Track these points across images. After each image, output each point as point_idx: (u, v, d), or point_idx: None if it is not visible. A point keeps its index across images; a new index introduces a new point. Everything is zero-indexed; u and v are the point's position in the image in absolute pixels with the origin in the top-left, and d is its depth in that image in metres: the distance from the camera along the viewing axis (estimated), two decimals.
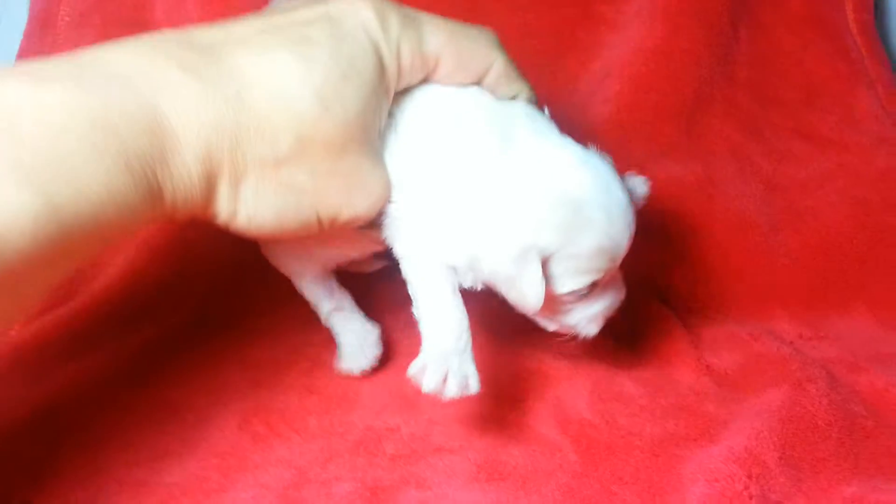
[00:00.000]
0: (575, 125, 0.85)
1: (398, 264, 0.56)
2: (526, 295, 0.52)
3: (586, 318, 0.58)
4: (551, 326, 0.59)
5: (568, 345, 0.74)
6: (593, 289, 0.56)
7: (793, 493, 0.50)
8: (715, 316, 0.76)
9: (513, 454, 0.55)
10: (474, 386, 0.51)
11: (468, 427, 0.58)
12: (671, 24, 0.84)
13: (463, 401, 0.61)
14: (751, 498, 0.47)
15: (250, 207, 0.46)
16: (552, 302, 0.55)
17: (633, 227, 0.56)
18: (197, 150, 0.42)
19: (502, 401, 0.62)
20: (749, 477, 0.49)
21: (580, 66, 0.90)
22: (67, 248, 0.38)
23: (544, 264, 0.52)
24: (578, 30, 0.92)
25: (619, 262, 0.57)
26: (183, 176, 0.43)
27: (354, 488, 0.52)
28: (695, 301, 0.77)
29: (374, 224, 0.54)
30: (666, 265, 0.77)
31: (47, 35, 0.83)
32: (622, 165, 0.81)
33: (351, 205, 0.50)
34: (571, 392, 0.64)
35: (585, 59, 0.90)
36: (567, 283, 0.54)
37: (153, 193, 0.41)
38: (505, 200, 0.52)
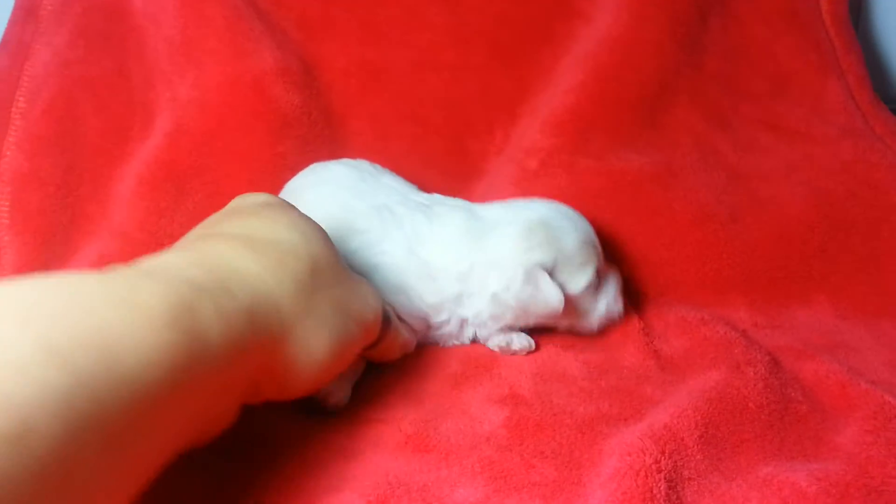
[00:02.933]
0: (542, 116, 0.86)
1: None
2: (549, 300, 0.65)
3: (611, 302, 0.69)
4: (594, 323, 0.70)
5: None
6: (598, 276, 0.68)
7: (708, 472, 0.50)
8: (668, 303, 0.76)
9: (443, 428, 0.56)
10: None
11: (406, 400, 0.60)
12: (636, 14, 0.84)
13: (408, 377, 0.63)
14: (659, 472, 0.47)
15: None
16: (580, 304, 0.68)
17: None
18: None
19: (444, 379, 0.64)
20: (662, 452, 0.49)
21: (553, 59, 0.91)
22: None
23: (553, 277, 0.65)
24: (554, 22, 0.93)
25: (600, 250, 0.69)
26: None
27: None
28: (649, 289, 0.78)
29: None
30: (619, 254, 0.78)
31: (29, 22, 0.86)
32: (583, 156, 0.82)
33: (369, 305, 0.55)
34: (516, 372, 0.65)
35: (560, 52, 0.91)
36: (579, 280, 0.66)
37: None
38: (494, 248, 0.66)
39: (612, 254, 0.78)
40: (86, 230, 0.81)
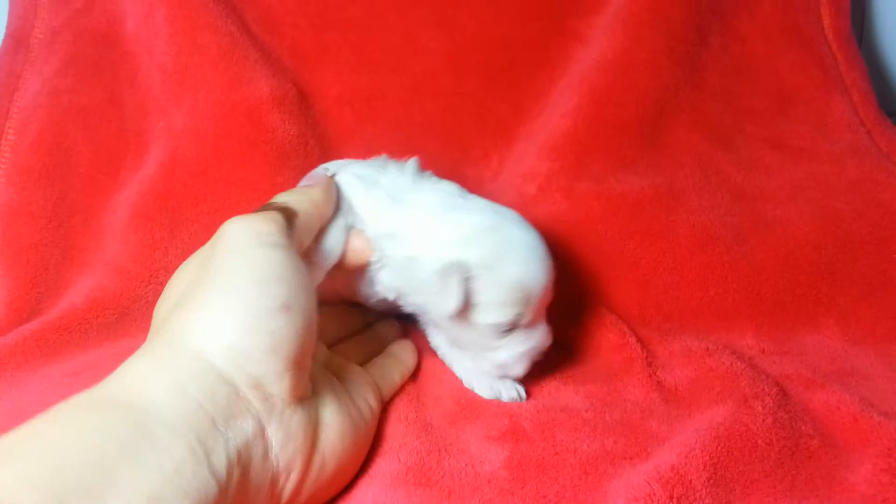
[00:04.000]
0: (539, 141, 0.85)
1: None
2: (445, 303, 0.58)
3: (513, 358, 0.62)
4: (483, 364, 0.63)
5: None
6: (515, 326, 0.60)
7: None
8: (673, 330, 0.74)
9: (444, 463, 0.54)
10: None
11: (403, 431, 0.58)
12: (631, 35, 0.83)
13: (404, 407, 0.61)
14: None
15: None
16: (479, 337, 0.61)
17: (551, 273, 0.61)
18: None
19: (442, 411, 0.62)
20: (670, 497, 0.48)
21: (550, 82, 0.90)
22: None
23: (470, 292, 0.58)
24: (551, 45, 0.92)
25: (540, 304, 0.61)
26: None
27: None
28: (653, 316, 0.76)
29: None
30: (621, 280, 0.76)
31: (20, 52, 0.85)
32: (582, 180, 0.81)
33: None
34: (516, 404, 0.63)
35: (556, 74, 0.90)
36: (490, 314, 0.59)
37: None
38: (438, 226, 0.60)
39: (614, 279, 0.76)
40: (79, 263, 0.80)
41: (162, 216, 0.81)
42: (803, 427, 0.58)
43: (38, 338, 0.73)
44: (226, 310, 0.45)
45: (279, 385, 0.46)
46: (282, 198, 0.57)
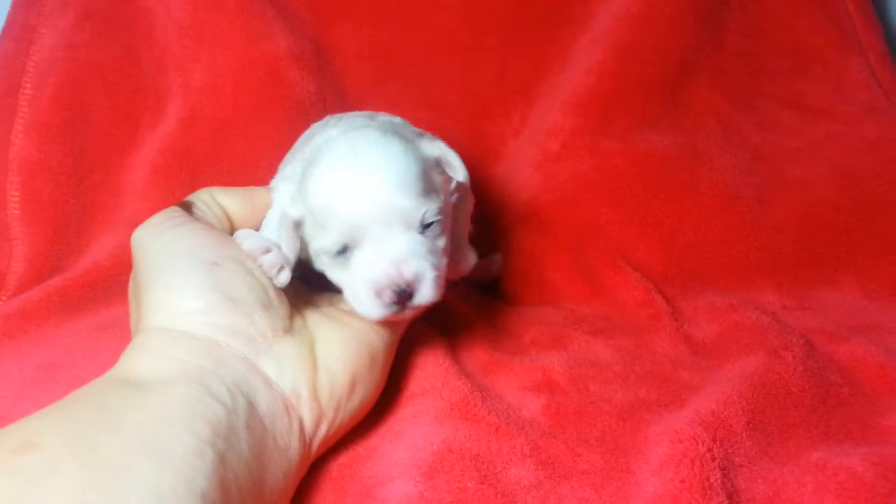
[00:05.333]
0: (563, 97, 0.85)
1: None
2: (286, 250, 0.55)
3: (356, 284, 0.54)
4: (346, 293, 0.56)
5: (550, 315, 0.75)
6: (344, 252, 0.54)
7: (758, 457, 0.49)
8: (696, 288, 0.75)
9: (487, 401, 0.55)
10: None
11: (445, 372, 0.58)
12: None
13: (440, 354, 0.61)
14: (713, 460, 0.47)
15: None
16: (331, 271, 0.56)
17: (383, 201, 0.53)
18: None
19: (478, 360, 0.63)
20: (713, 440, 0.48)
21: (571, 38, 0.89)
22: None
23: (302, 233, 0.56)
24: (570, 1, 0.91)
25: (368, 229, 0.53)
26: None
27: None
28: (676, 274, 0.77)
29: None
30: (645, 238, 0.77)
31: (33, 5, 0.83)
32: (606, 138, 0.81)
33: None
34: (548, 357, 0.64)
35: (577, 31, 0.89)
36: (315, 239, 0.55)
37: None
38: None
39: (638, 237, 0.77)
40: (99, 220, 0.79)
41: (182, 172, 0.80)
42: (832, 376, 0.59)
43: (61, 293, 0.73)
44: (165, 286, 0.49)
45: (255, 327, 0.49)
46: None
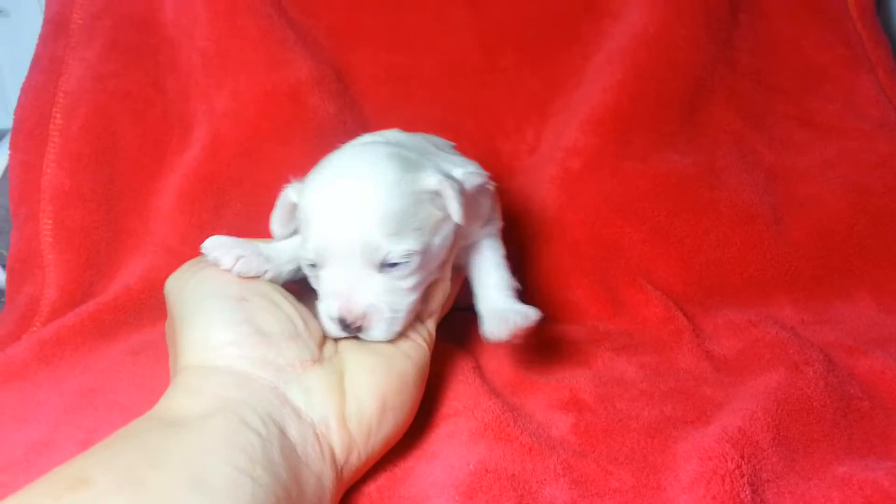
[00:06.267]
0: (582, 115, 0.86)
1: None
2: (275, 226, 0.59)
3: (321, 296, 0.56)
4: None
5: (573, 332, 0.76)
6: (314, 266, 0.56)
7: (785, 473, 0.51)
8: (715, 305, 0.77)
9: (519, 422, 0.56)
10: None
11: (475, 393, 0.59)
12: (672, 9, 0.84)
13: (469, 374, 0.63)
14: (742, 476, 0.48)
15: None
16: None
17: (349, 234, 0.54)
18: None
19: (505, 379, 0.65)
20: (742, 456, 0.50)
21: (583, 58, 0.91)
22: None
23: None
24: (582, 20, 0.93)
25: (332, 254, 0.54)
26: None
27: None
28: (695, 292, 0.78)
29: None
30: (666, 257, 0.78)
31: (60, 37, 0.85)
32: (627, 158, 0.82)
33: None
34: (574, 375, 0.65)
35: (589, 50, 0.91)
36: (301, 245, 0.56)
37: None
38: None
39: (658, 257, 0.78)
40: (129, 246, 0.81)
41: (207, 197, 0.82)
42: (852, 390, 0.60)
43: (94, 318, 0.75)
44: (196, 325, 0.51)
45: (284, 357, 0.50)
46: None
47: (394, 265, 0.54)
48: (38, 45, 0.86)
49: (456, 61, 0.92)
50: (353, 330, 0.54)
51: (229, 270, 0.54)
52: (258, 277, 0.55)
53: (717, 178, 0.81)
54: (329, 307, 0.54)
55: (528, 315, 0.59)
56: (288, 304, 0.54)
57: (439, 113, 0.91)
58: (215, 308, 0.52)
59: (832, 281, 0.79)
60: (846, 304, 0.78)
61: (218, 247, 0.55)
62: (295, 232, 0.60)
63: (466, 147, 0.90)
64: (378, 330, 0.54)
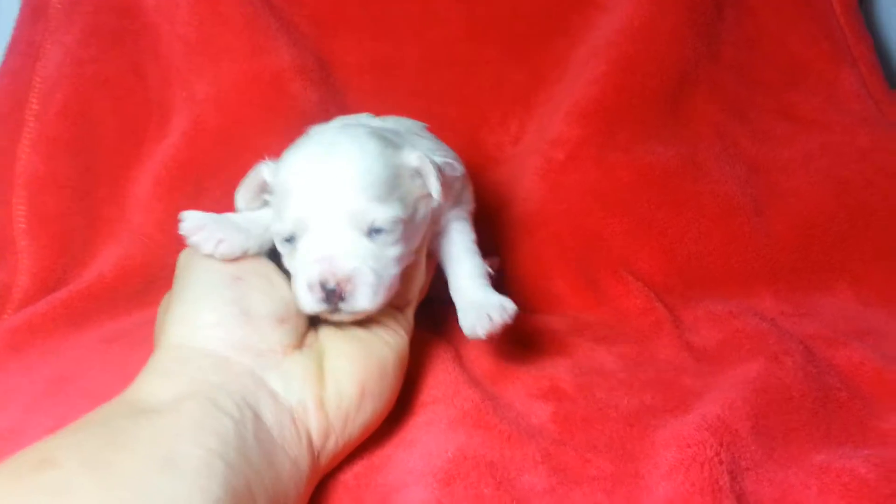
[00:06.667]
0: (566, 107, 0.86)
1: None
2: (239, 197, 0.58)
3: (295, 274, 0.53)
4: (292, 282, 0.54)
5: (554, 322, 0.76)
6: (291, 240, 0.54)
7: (763, 461, 0.51)
8: (695, 297, 0.77)
9: (498, 410, 0.56)
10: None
11: (455, 381, 0.59)
12: (657, 2, 0.84)
13: (449, 363, 0.62)
14: (721, 463, 0.48)
15: None
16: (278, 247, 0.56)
17: (333, 195, 0.53)
18: None
19: (484, 368, 0.64)
20: (720, 444, 0.50)
21: (569, 48, 0.91)
22: None
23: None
24: (569, 13, 0.92)
25: (314, 220, 0.53)
26: None
27: None
28: (676, 283, 0.78)
29: None
30: (647, 248, 0.78)
31: (39, 21, 0.84)
32: (611, 150, 0.82)
33: None
34: (553, 365, 0.65)
35: (575, 41, 0.91)
36: (274, 222, 0.55)
37: None
38: None
39: (640, 248, 0.78)
40: (104, 233, 0.80)
41: (185, 185, 0.81)
42: (831, 381, 0.61)
43: (66, 306, 0.74)
44: (186, 300, 0.51)
45: (266, 342, 0.50)
46: None
47: (379, 231, 0.53)
48: (14, 29, 0.85)
49: (441, 52, 0.91)
50: (334, 300, 0.51)
51: (211, 255, 0.53)
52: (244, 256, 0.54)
53: (700, 170, 0.81)
54: (309, 274, 0.52)
55: (505, 307, 0.58)
56: (285, 286, 0.53)
57: (423, 103, 0.90)
58: (209, 284, 0.51)
59: (812, 273, 0.80)
60: (826, 296, 0.79)
61: (197, 230, 0.53)
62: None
63: (450, 137, 0.89)
64: (362, 295, 0.51)
